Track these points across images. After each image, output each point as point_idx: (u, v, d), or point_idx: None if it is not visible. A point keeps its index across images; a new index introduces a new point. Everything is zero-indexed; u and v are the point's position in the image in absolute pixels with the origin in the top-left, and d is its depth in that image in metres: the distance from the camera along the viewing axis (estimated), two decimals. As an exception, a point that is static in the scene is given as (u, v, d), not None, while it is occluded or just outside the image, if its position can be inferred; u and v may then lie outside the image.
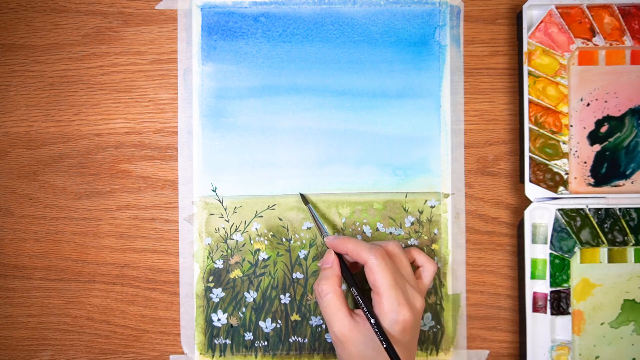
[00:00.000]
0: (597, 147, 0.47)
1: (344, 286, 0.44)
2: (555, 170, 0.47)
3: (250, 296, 0.48)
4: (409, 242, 0.48)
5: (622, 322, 0.47)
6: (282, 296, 0.48)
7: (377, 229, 0.49)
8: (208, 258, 0.48)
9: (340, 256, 0.43)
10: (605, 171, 0.47)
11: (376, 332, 0.39)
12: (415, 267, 0.45)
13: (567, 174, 0.47)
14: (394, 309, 0.39)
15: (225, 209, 0.49)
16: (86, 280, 0.49)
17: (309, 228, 0.48)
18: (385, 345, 0.38)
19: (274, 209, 0.49)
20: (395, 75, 0.49)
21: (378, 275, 0.40)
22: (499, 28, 0.49)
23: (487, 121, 0.49)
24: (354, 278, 0.42)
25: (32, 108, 0.49)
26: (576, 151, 0.47)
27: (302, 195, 0.48)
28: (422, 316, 0.48)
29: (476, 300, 0.48)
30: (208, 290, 0.48)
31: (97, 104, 0.49)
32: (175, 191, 0.49)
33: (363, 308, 0.40)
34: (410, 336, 0.40)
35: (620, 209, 0.46)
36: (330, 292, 0.40)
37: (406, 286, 0.41)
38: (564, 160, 0.47)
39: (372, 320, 0.39)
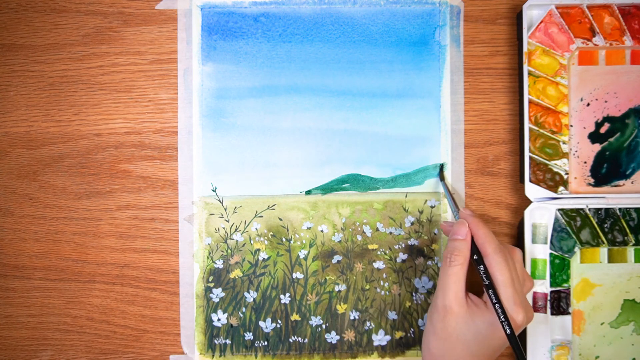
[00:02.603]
0: (597, 147, 0.47)
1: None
2: (555, 170, 0.47)
3: (250, 296, 0.48)
4: (409, 242, 0.48)
5: (622, 322, 0.47)
6: (282, 296, 0.48)
7: (377, 229, 0.49)
8: (208, 258, 0.48)
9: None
10: (606, 171, 0.47)
11: (499, 316, 0.39)
12: None
13: (567, 174, 0.47)
14: (509, 306, 0.39)
15: (225, 209, 0.49)
16: (86, 280, 0.49)
17: (309, 228, 0.49)
18: (508, 332, 0.38)
19: (274, 209, 0.49)
20: (395, 75, 0.49)
21: (497, 270, 0.40)
22: (499, 28, 0.49)
23: (487, 121, 0.49)
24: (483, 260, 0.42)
25: (32, 108, 0.49)
26: (576, 151, 0.47)
27: (440, 169, 0.48)
28: (422, 315, 0.48)
29: (476, 300, 0.48)
30: (208, 290, 0.48)
31: (97, 104, 0.49)
32: (175, 191, 0.49)
33: (490, 290, 0.39)
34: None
35: (620, 209, 0.46)
36: (460, 263, 0.41)
37: (522, 292, 0.41)
38: (564, 160, 0.47)
39: (497, 304, 0.39)
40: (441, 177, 0.47)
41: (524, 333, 0.46)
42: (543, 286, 0.46)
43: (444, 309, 0.40)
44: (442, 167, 0.48)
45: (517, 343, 0.38)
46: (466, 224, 0.42)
